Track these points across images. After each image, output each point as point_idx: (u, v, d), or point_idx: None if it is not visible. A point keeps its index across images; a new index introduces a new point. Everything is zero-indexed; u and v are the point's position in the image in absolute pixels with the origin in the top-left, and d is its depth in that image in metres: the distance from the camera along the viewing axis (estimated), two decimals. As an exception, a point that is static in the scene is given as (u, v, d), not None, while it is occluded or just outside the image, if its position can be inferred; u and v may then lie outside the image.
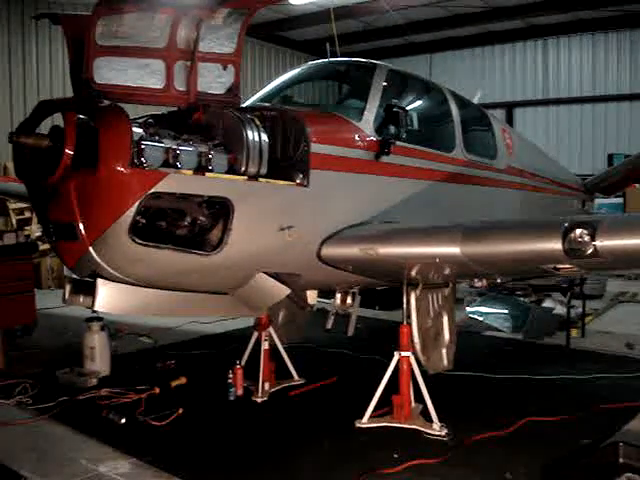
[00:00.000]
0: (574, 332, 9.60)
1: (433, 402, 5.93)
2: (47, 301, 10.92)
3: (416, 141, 6.77)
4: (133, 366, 8.05)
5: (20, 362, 8.23)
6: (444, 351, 6.40)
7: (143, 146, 4.65)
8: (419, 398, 6.06)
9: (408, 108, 6.85)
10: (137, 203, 4.62)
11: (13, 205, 14.72)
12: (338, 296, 7.77)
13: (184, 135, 5.06)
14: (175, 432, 5.96)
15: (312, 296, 6.93)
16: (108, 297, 5.11)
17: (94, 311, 5.37)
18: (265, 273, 5.60)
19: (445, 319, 6.43)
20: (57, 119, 4.65)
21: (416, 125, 7.28)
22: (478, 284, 6.28)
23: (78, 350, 7.78)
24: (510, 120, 22.86)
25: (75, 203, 4.63)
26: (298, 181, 5.49)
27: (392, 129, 6.29)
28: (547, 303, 10.99)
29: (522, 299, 11.24)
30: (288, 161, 5.59)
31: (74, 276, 5.42)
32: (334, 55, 8.00)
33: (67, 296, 5.44)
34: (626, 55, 21.41)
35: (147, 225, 4.91)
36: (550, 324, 9.91)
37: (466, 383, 7.24)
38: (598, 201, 15.26)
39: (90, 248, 4.72)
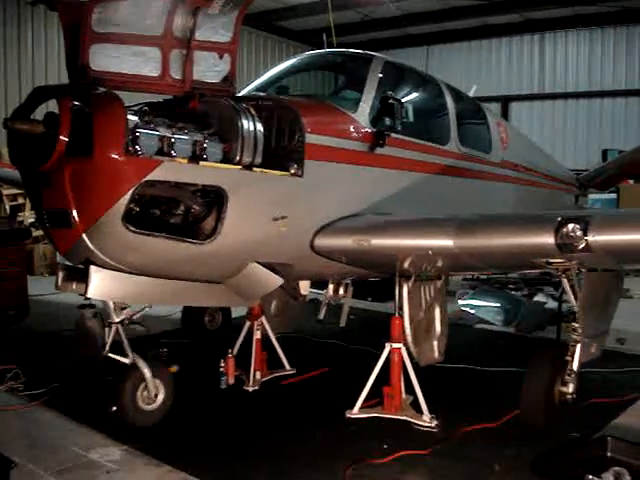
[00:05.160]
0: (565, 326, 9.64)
1: (423, 394, 5.95)
2: (40, 288, 10.90)
3: (411, 133, 6.78)
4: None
5: (12, 348, 8.21)
6: (435, 343, 6.41)
7: (138, 134, 4.65)
8: (410, 389, 6.07)
9: (404, 100, 6.85)
10: (131, 191, 4.63)
11: (6, 191, 14.68)
12: (331, 287, 7.81)
13: (179, 123, 5.06)
14: (166, 420, 5.97)
15: (305, 286, 6.94)
16: (101, 284, 5.12)
17: (87, 298, 5.37)
18: (258, 263, 5.60)
19: (437, 311, 6.44)
20: (52, 105, 4.64)
21: (411, 117, 7.29)
22: None
23: (70, 337, 7.77)
24: (505, 114, 22.87)
25: (69, 190, 4.63)
26: (292, 171, 5.50)
27: (387, 121, 6.29)
28: (539, 297, 11.04)
29: (514, 293, 11.29)
30: (283, 151, 5.59)
31: (67, 263, 5.43)
32: (331, 46, 8.00)
33: (60, 283, 5.44)
34: (622, 51, 21.44)
35: (141, 213, 4.91)
36: (542, 318, 9.95)
37: (457, 375, 7.27)
38: (592, 196, 15.30)
39: (83, 235, 4.73)
